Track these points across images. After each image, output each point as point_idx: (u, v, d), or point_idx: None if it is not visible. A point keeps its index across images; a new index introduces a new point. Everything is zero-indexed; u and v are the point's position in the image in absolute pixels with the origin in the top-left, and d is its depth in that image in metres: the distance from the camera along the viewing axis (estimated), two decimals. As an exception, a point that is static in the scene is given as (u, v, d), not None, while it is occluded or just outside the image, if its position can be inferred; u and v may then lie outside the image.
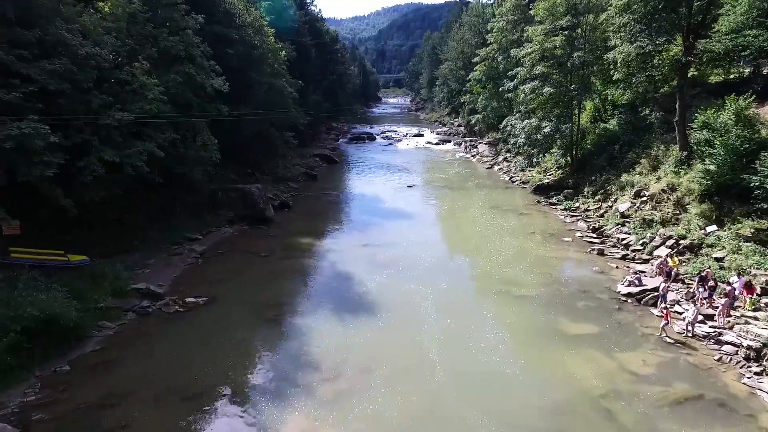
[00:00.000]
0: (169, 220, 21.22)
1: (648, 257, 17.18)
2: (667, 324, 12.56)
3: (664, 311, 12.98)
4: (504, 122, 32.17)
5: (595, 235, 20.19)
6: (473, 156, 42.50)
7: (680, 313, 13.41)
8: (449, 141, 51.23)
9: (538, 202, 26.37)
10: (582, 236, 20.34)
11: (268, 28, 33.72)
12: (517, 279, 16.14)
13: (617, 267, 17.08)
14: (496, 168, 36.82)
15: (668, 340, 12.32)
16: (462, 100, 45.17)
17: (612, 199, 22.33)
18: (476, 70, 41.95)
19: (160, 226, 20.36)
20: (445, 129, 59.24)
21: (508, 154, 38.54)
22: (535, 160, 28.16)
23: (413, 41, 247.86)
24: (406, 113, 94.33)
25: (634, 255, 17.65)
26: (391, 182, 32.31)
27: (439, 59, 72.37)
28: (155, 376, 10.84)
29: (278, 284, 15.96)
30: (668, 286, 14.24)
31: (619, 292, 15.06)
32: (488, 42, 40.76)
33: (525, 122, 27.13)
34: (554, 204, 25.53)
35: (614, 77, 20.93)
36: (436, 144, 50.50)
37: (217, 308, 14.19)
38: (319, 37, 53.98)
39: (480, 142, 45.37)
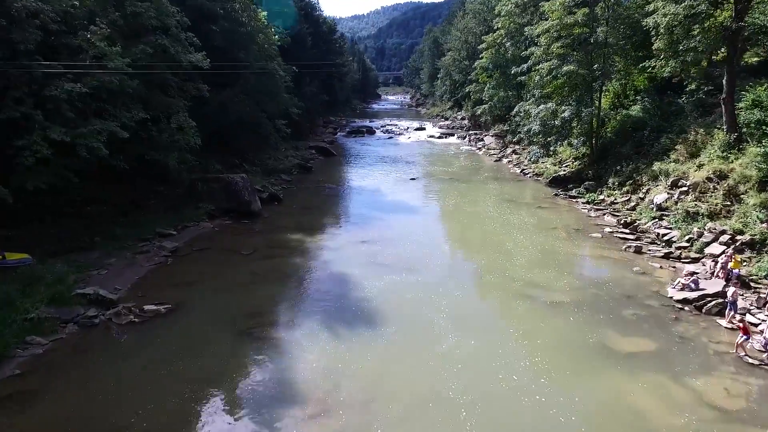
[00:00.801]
0: (141, 213, 18.51)
1: (698, 256, 14.46)
2: (746, 339, 9.85)
3: (739, 323, 10.29)
4: (516, 108, 29.39)
5: (627, 231, 17.47)
6: (479, 149, 39.76)
7: (755, 325, 10.72)
8: (452, 134, 48.48)
9: (556, 195, 23.64)
10: (612, 232, 17.62)
11: (260, 10, 31.04)
12: (546, 282, 13.41)
13: (661, 267, 14.36)
14: (505, 161, 34.09)
15: (751, 360, 9.62)
16: (467, 90, 42.36)
17: (643, 191, 19.61)
18: (482, 57, 39.20)
19: (128, 221, 17.63)
20: (447, 123, 56.49)
21: (517, 146, 35.84)
22: (552, 148, 25.35)
23: (413, 39, 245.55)
24: (407, 109, 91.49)
25: (680, 253, 14.93)
26: (392, 175, 29.57)
27: (441, 52, 69.71)
28: (85, 415, 8.10)
29: (260, 288, 13.21)
30: (737, 291, 11.52)
31: (671, 297, 12.34)
32: (495, 28, 38.02)
33: (541, 107, 24.35)
34: (574, 197, 22.81)
35: (654, 46, 18.17)
36: (439, 137, 47.74)
37: (182, 318, 11.45)
38: (315, 27, 51.23)
39: (486, 135, 42.63)
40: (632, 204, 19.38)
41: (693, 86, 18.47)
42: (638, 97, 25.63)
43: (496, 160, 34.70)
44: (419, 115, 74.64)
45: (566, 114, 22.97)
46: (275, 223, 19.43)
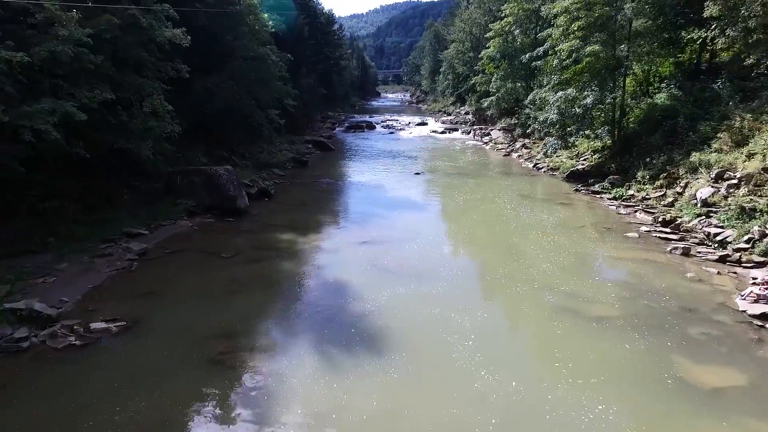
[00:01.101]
0: (110, 210, 16.13)
1: (763, 259, 12.13)
2: None
3: None
4: (530, 97, 27.06)
5: (668, 230, 15.11)
6: (485, 144, 37.40)
7: None
8: (456, 129, 46.15)
9: (577, 190, 21.29)
10: (650, 231, 15.27)
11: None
12: (586, 293, 11.05)
13: (719, 273, 12.00)
14: (515, 155, 31.74)
15: None
16: (473, 81, 40.00)
17: (680, 184, 17.26)
18: (489, 46, 36.85)
19: (94, 219, 15.24)
20: (450, 118, 54.12)
21: (526, 140, 33.51)
22: (573, 139, 22.93)
23: (412, 38, 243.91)
24: (407, 106, 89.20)
25: (739, 256, 12.57)
26: (394, 170, 27.21)
27: (443, 46, 67.42)
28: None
29: (239, 300, 10.82)
30: (835, 306, 9.20)
31: (744, 311, 10.00)
32: (503, 15, 35.69)
33: (559, 94, 21.97)
34: (598, 192, 20.47)
35: (706, 13, 15.80)
36: (442, 132, 45.40)
37: (137, 339, 9.07)
38: (313, 17, 48.88)
39: (492, 129, 40.30)
40: (669, 200, 17.02)
41: (752, 60, 15.98)
42: (663, 85, 23.37)
43: (504, 155, 32.36)
44: (420, 111, 72.32)
45: (588, 100, 20.59)
46: (264, 221, 17.05)
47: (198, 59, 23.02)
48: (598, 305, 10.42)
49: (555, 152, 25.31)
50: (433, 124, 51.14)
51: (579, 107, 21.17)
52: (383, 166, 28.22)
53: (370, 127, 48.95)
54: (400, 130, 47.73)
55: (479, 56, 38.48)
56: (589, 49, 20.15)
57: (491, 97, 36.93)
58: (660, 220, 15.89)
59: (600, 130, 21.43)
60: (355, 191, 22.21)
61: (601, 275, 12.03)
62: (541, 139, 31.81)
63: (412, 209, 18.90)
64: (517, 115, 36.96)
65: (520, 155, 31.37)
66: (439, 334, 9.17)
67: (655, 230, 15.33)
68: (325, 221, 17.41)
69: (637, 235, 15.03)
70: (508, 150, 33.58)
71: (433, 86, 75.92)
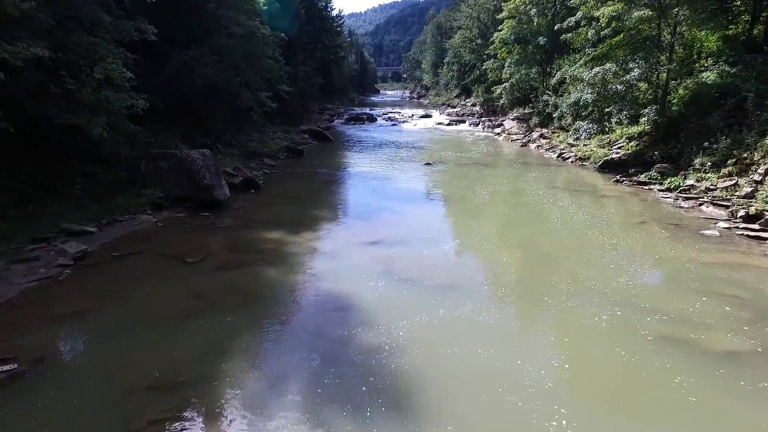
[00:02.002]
0: (54, 202, 12.81)
1: None
2: None
3: None
4: (556, 75, 23.77)
5: (757, 226, 11.90)
6: (497, 135, 34.13)
7: None
8: (463, 121, 42.86)
9: (617, 181, 18.07)
10: (730, 228, 12.07)
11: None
12: (688, 312, 7.79)
13: None
14: (533, 146, 28.51)
15: None
16: (484, 66, 36.63)
17: (758, 172, 14.03)
18: (502, 28, 33.58)
19: (28, 212, 11.96)
20: (455, 110, 50.83)
21: (544, 130, 30.26)
22: (615, 119, 19.58)
23: (411, 36, 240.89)
24: (407, 100, 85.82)
25: None
26: (401, 160, 23.94)
27: (447, 36, 64.23)
28: None
29: (198, 327, 7.50)
30: None
31: None
32: (517, -7, 32.43)
33: (596, 70, 18.70)
34: (645, 183, 17.24)
35: None
36: (448, 124, 42.12)
37: (31, 393, 5.77)
38: (310, 1, 45.54)
39: (504, 120, 37.02)
40: (746, 190, 13.77)
41: None
42: (709, 62, 20.17)
43: (521, 145, 29.12)
44: (422, 105, 68.90)
45: (635, 73, 17.30)
46: (247, 216, 13.74)
47: (175, 30, 19.76)
48: (715, 333, 7.16)
49: (589, 138, 21.97)
50: (438, 116, 47.84)
51: (621, 84, 17.88)
52: (388, 157, 24.93)
53: (371, 119, 45.64)
54: (403, 122, 44.46)
55: (491, 39, 35.11)
56: (637, 14, 16.87)
57: (504, 84, 33.63)
58: (741, 215, 12.65)
59: (647, 110, 18.05)
60: (357, 182, 18.89)
61: (697, 287, 8.77)
62: (562, 128, 28.61)
63: (428, 203, 15.64)
64: (532, 104, 33.75)
65: (538, 145, 28.14)
66: (495, 390, 5.86)
67: (737, 227, 12.11)
68: (323, 217, 14.10)
69: (717, 233, 11.79)
70: (524, 140, 30.35)
71: (435, 80, 72.58)
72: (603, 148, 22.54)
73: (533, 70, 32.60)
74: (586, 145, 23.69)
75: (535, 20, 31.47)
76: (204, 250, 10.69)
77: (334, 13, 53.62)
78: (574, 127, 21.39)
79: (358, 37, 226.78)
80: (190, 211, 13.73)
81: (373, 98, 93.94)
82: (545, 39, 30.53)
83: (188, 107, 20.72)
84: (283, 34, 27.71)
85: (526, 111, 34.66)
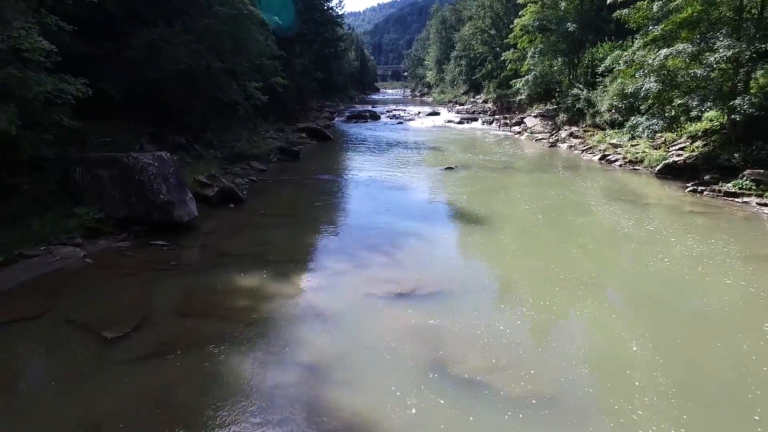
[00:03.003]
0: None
1: None
2: None
3: None
4: (608, 61, 19.84)
5: None
6: (518, 133, 30.19)
7: None
8: (475, 119, 38.93)
9: (694, 191, 14.18)
10: None
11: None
12: None
13: None
14: (563, 146, 24.61)
15: None
16: (502, 58, 32.53)
17: None
18: (523, 14, 29.61)
19: None
20: (465, 107, 46.88)
21: (574, 128, 26.37)
22: (695, 113, 15.59)
23: (410, 35, 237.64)
24: (410, 98, 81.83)
25: None
26: (415, 164, 20.01)
27: (453, 29, 60.31)
28: None
29: None
30: None
31: None
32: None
33: (663, 52, 14.74)
34: (736, 194, 13.33)
35: None
36: (459, 123, 38.18)
37: None
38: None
39: (523, 117, 33.09)
40: None
41: None
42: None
43: (550, 146, 25.21)
44: (426, 103, 64.91)
45: (727, 53, 13.33)
46: (218, 246, 9.75)
47: (143, 4, 15.86)
48: None
49: (651, 137, 18.01)
50: (447, 114, 43.92)
51: (702, 69, 13.94)
52: (399, 160, 20.99)
53: (374, 117, 41.68)
54: (410, 120, 40.51)
55: (505, 29, 31.11)
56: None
57: (525, 78, 29.68)
58: None
59: (738, 100, 14.08)
60: (367, 193, 14.90)
61: None
62: (597, 126, 24.72)
63: (463, 225, 11.68)
64: (556, 99, 29.83)
65: (570, 146, 24.23)
66: None
67: None
68: (324, 246, 10.13)
69: None
70: (551, 140, 26.45)
71: (440, 77, 68.55)
72: (657, 149, 18.67)
73: (558, 61, 28.70)
74: (635, 146, 19.77)
75: (563, 4, 27.54)
76: (138, 313, 6.74)
77: (334, 2, 49.42)
78: (630, 123, 17.39)
79: (358, 35, 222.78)
80: (138, 239, 9.77)
81: (373, 96, 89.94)
82: (574, 25, 26.59)
83: (159, 100, 16.75)
84: (276, 18, 23.77)
85: (549, 107, 30.75)
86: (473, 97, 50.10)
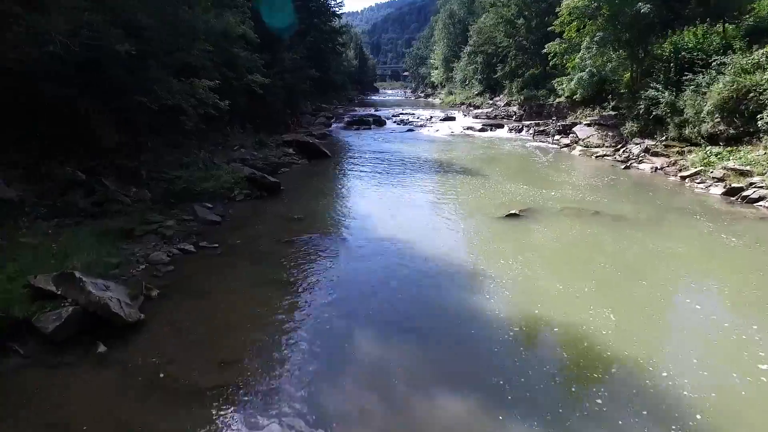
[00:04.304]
0: None
1: None
2: None
3: None
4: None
5: None
6: (567, 147, 23.31)
7: None
8: (500, 125, 31.99)
9: None
10: None
11: None
12: None
13: None
14: (645, 167, 17.81)
15: None
16: (545, 51, 25.50)
17: None
18: (573, -6, 22.68)
19: None
20: (484, 111, 39.91)
21: (648, 140, 19.55)
22: None
23: (408, 34, 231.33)
24: (414, 99, 74.83)
25: None
26: (452, 201, 13.13)
27: (463, 25, 53.46)
28: None
29: None
30: None
31: None
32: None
33: None
34: None
35: None
36: (482, 130, 31.27)
37: None
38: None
39: (564, 125, 26.17)
40: None
41: None
42: None
43: (624, 167, 18.31)
44: (433, 105, 57.92)
45: None
46: None
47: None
48: None
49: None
50: (463, 119, 37.00)
51: None
52: (427, 196, 14.10)
53: (379, 122, 34.76)
54: (421, 126, 33.60)
55: (556, 11, 24.14)
56: None
57: (578, 74, 22.79)
58: None
59: None
60: (396, 290, 7.75)
61: None
62: (687, 140, 17.87)
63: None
64: (616, 102, 22.99)
65: (655, 167, 17.42)
66: None
67: None
68: None
69: None
70: (619, 157, 19.67)
71: (447, 76, 61.55)
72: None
73: (621, 53, 21.85)
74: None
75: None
76: None
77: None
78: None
79: (357, 33, 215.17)
80: None
81: (373, 97, 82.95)
82: (648, 6, 19.69)
83: (32, 106, 9.79)
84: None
85: (603, 112, 23.90)
86: (490, 99, 43.19)
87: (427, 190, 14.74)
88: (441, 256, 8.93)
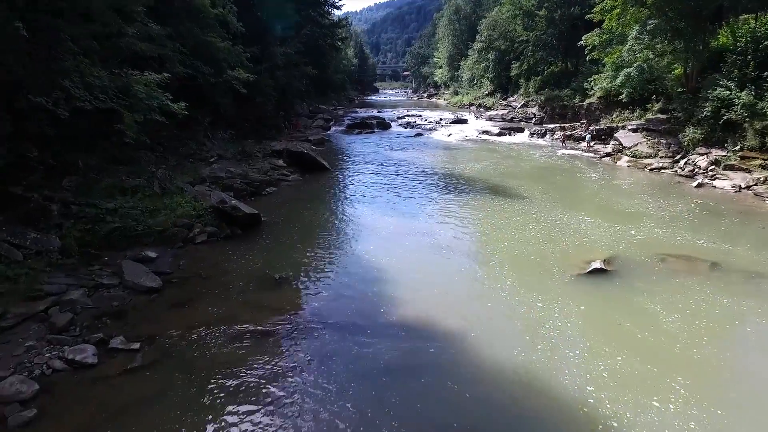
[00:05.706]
0: None
1: None
2: None
3: None
4: None
5: None
6: (610, 156, 19.49)
7: None
8: (520, 129, 28.19)
9: None
10: None
11: None
12: None
13: None
14: (725, 185, 14.05)
15: None
16: (582, 41, 21.49)
17: None
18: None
19: None
20: (499, 113, 36.01)
21: (717, 151, 15.72)
22: None
23: (408, 34, 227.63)
24: (416, 100, 70.91)
25: None
26: (493, 245, 9.35)
27: (470, 21, 49.66)
28: None
29: None
30: None
31: None
32: None
33: None
34: None
35: None
36: (499, 135, 27.46)
37: None
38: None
39: (601, 130, 22.32)
40: None
41: None
42: None
43: (696, 185, 14.50)
44: (437, 105, 54.02)
45: None
46: None
47: None
48: None
49: None
50: (475, 121, 33.22)
51: None
52: (455, 230, 10.27)
53: (383, 125, 30.93)
54: (430, 130, 29.81)
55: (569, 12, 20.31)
56: None
57: (624, 71, 18.97)
58: None
59: None
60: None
61: None
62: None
63: None
64: (666, 104, 19.20)
65: (737, 186, 13.70)
66: None
67: None
68: None
69: None
70: (681, 170, 15.95)
71: (453, 74, 57.68)
72: None
73: (678, 46, 18.04)
74: None
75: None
76: None
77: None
78: None
79: (357, 32, 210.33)
80: None
81: (374, 98, 79.10)
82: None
83: None
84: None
85: (654, 116, 20.08)
86: (503, 99, 39.37)
87: (457, 221, 10.92)
88: (504, 371, 5.15)
